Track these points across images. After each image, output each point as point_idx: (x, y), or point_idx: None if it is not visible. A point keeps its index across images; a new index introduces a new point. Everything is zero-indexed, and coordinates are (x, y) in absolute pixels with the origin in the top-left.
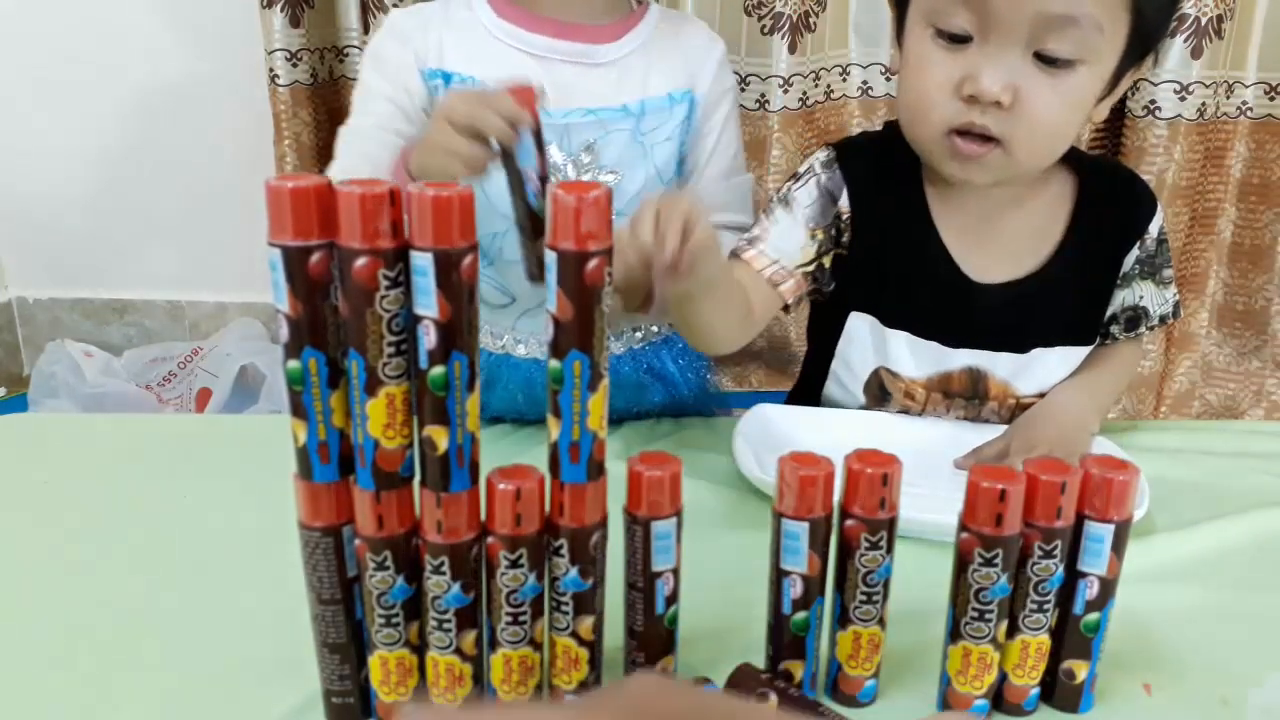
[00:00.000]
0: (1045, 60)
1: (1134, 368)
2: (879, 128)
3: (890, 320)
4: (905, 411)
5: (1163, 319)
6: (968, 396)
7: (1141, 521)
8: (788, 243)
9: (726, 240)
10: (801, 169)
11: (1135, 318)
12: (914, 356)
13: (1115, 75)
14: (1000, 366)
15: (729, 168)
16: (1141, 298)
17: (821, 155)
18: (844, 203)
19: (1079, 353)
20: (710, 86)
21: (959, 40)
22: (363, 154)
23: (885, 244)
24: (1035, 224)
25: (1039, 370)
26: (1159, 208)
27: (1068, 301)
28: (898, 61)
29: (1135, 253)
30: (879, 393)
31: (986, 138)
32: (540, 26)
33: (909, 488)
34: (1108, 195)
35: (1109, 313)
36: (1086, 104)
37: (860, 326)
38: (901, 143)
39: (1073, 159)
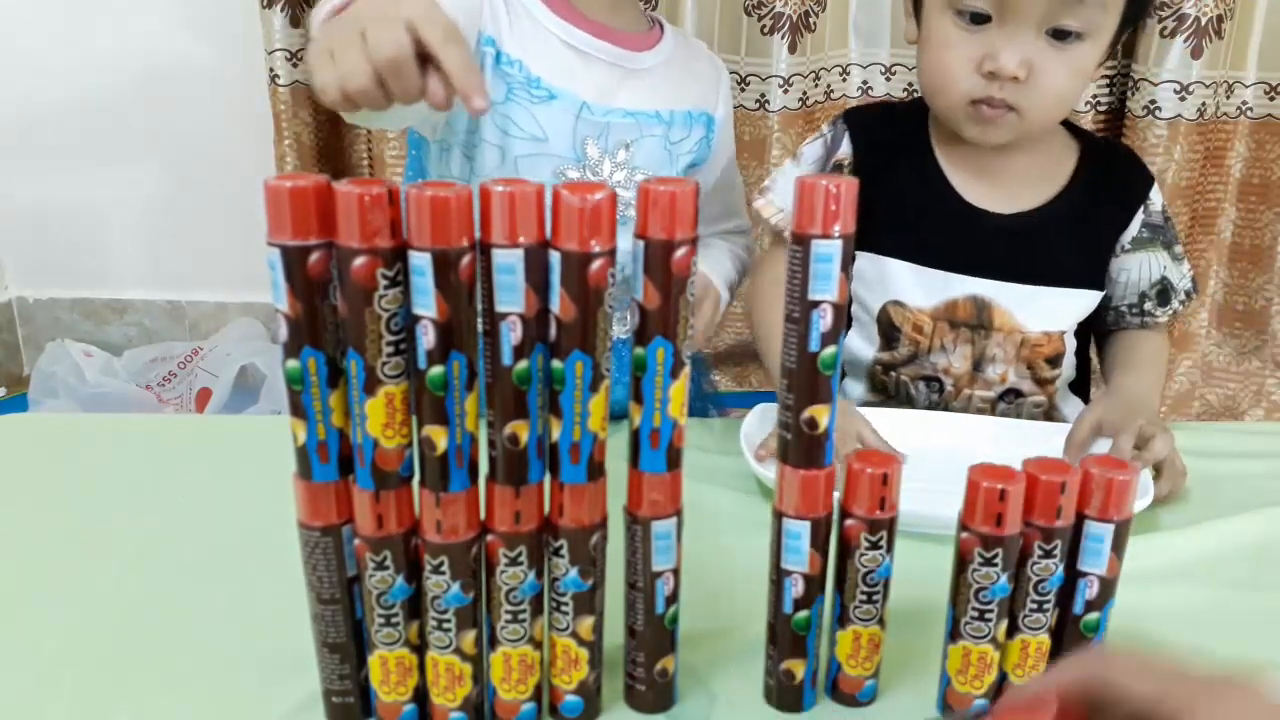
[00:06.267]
0: (1056, 36)
1: (1165, 361)
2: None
3: (893, 250)
4: (914, 348)
5: (1187, 294)
6: (973, 326)
7: (1143, 521)
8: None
9: (734, 243)
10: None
11: (1164, 290)
12: (919, 285)
13: (1113, 42)
14: (1004, 296)
15: (731, 178)
16: (1165, 268)
17: (830, 120)
18: (845, 149)
19: (1082, 295)
20: (724, 111)
21: (978, 21)
22: None
23: (887, 177)
24: (1037, 170)
25: (1043, 305)
26: (1155, 183)
27: (1068, 244)
28: (913, 33)
29: (1141, 216)
30: (889, 330)
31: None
32: (585, 25)
33: (918, 483)
34: (1109, 160)
35: (1140, 290)
36: (1090, 71)
37: (863, 264)
38: (907, 103)
39: (1077, 131)
